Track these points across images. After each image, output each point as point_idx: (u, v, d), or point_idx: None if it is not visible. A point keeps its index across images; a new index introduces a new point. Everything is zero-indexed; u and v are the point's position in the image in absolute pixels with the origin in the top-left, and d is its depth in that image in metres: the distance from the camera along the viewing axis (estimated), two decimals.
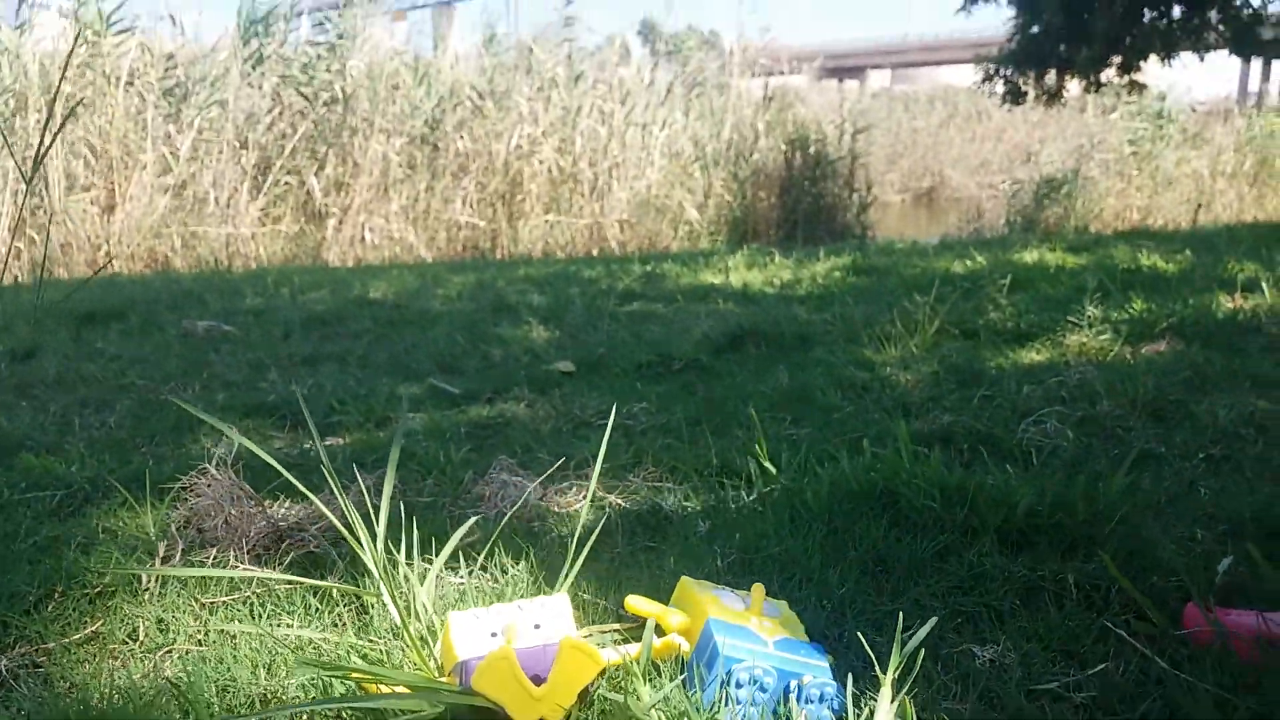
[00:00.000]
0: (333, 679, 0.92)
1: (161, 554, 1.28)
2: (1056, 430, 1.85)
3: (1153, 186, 11.80)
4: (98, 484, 1.63)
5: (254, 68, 8.42)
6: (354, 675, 0.89)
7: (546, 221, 10.01)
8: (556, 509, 1.49)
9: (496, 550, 1.24)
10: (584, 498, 1.46)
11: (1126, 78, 10.47)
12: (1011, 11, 10.93)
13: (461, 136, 9.67)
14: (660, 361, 2.60)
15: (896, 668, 0.87)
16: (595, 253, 10.36)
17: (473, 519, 1.34)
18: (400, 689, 0.87)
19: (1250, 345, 2.62)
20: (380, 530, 1.03)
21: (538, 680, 0.87)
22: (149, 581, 1.18)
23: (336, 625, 1.10)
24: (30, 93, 7.82)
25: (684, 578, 1.05)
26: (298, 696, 0.95)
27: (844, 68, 35.77)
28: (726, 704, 0.88)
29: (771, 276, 4.54)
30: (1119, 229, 9.77)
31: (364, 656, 0.99)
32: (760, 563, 1.20)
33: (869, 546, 1.25)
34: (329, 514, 1.11)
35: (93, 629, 1.09)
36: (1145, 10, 10.35)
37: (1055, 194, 10.71)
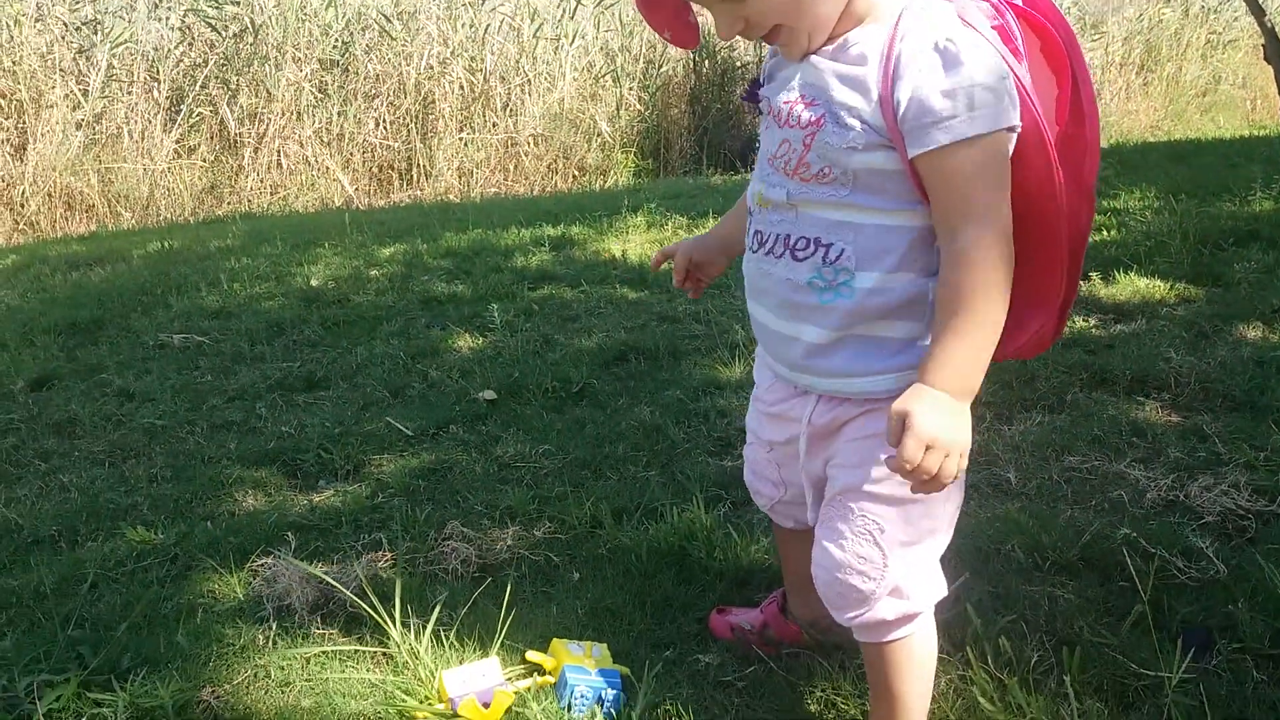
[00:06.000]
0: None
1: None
2: None
3: None
4: (183, 557, 2.43)
5: (160, 2, 8.45)
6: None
7: (460, 139, 10.29)
8: (493, 561, 2.37)
9: (455, 613, 2.11)
10: (511, 554, 2.34)
11: None
12: None
13: (372, 59, 9.81)
14: (561, 386, 3.41)
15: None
16: (511, 172, 10.74)
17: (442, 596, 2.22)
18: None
19: None
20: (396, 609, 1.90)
21: (487, 705, 1.77)
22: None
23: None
24: None
25: (554, 639, 1.95)
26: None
27: None
28: (570, 709, 1.80)
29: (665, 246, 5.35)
30: None
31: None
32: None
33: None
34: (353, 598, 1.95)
35: None
36: None
37: None
